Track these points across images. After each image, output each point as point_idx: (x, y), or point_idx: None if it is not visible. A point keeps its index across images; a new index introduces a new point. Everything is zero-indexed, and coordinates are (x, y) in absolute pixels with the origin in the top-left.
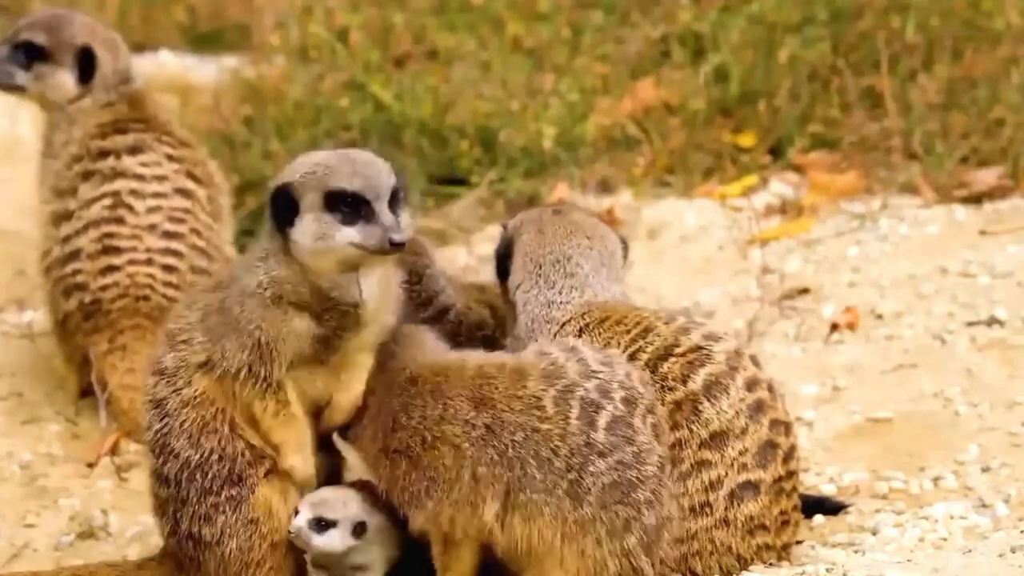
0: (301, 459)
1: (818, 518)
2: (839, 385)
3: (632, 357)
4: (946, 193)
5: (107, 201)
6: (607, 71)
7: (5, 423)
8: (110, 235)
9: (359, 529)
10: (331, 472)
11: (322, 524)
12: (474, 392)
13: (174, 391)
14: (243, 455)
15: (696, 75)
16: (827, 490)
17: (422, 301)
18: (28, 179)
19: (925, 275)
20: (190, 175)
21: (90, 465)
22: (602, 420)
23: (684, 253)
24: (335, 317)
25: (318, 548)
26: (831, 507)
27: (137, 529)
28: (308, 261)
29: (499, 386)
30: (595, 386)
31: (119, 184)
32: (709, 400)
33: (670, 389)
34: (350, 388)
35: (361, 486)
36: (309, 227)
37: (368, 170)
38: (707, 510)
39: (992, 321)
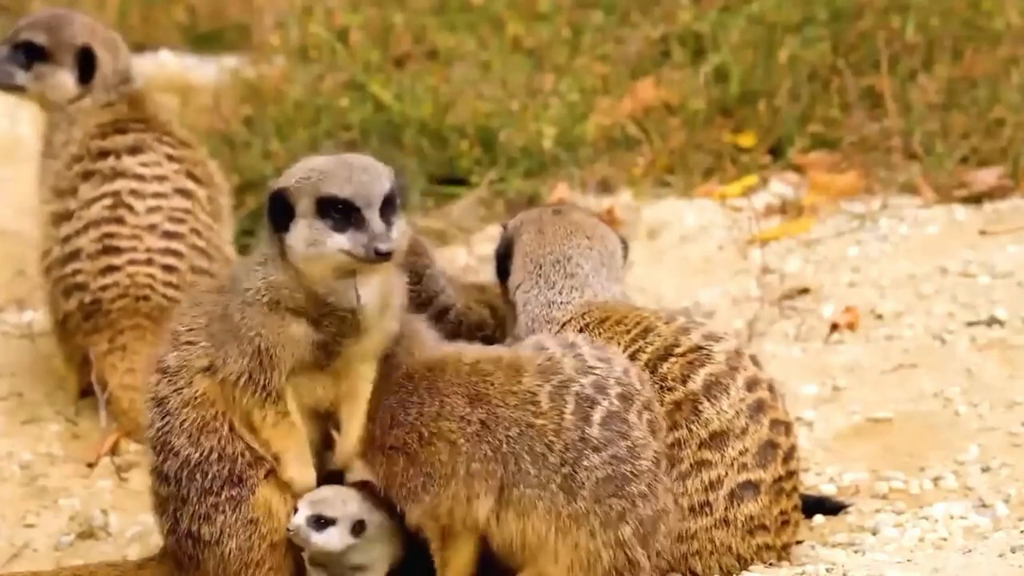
0: (300, 470)
1: (818, 518)
2: (839, 385)
3: (632, 357)
4: (946, 193)
5: (107, 201)
6: (607, 71)
7: (5, 423)
8: (110, 235)
9: (358, 528)
10: (332, 471)
11: (321, 522)
12: (470, 388)
13: (175, 390)
14: (243, 456)
15: (696, 75)
16: (827, 490)
17: (422, 301)
18: (28, 179)
19: (925, 275)
20: (190, 175)
21: (90, 465)
22: (597, 415)
23: (684, 253)
24: (333, 323)
25: (317, 546)
26: (831, 507)
27: (137, 529)
28: (302, 267)
29: (495, 382)
30: (591, 382)
31: (119, 184)
32: (709, 400)
33: (670, 389)
34: (353, 404)
35: (361, 485)
36: (302, 233)
37: (362, 177)
38: (707, 510)
39: (992, 321)
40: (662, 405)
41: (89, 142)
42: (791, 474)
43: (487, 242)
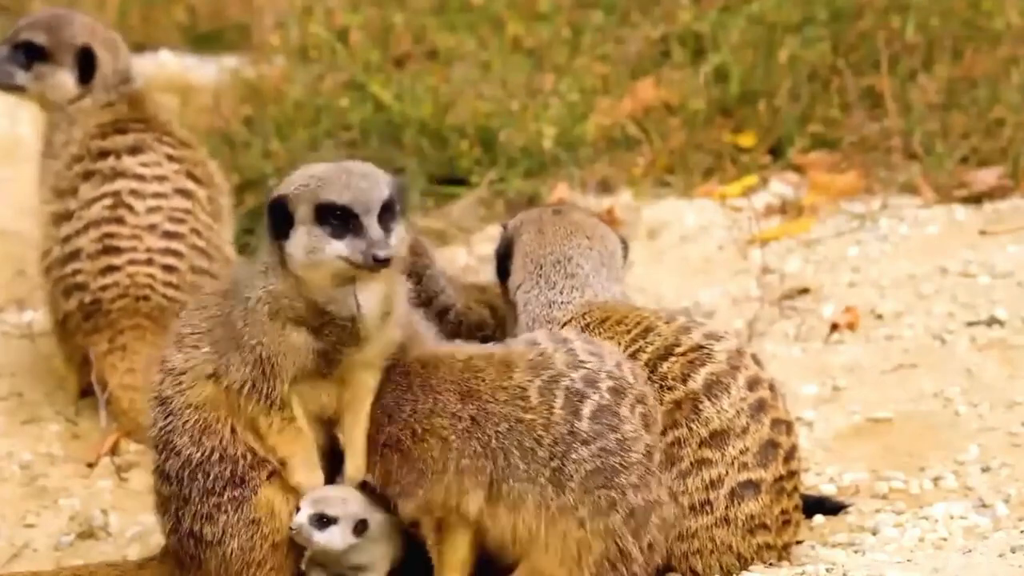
0: (307, 475)
1: (818, 518)
2: (839, 385)
3: (633, 357)
4: (946, 193)
5: (107, 201)
6: (607, 71)
7: (5, 423)
8: (110, 235)
9: (360, 527)
10: (334, 470)
11: (323, 521)
12: (462, 385)
13: (179, 391)
14: (245, 457)
15: (696, 75)
16: (827, 490)
17: (422, 301)
18: (28, 179)
19: (925, 275)
20: (190, 175)
21: (90, 465)
22: (586, 409)
23: (684, 253)
24: (334, 332)
25: (319, 545)
26: (831, 507)
27: (137, 529)
28: (302, 274)
29: (486, 378)
30: (581, 376)
31: (119, 184)
32: (710, 399)
33: (670, 388)
34: (356, 413)
35: (361, 484)
36: (301, 240)
37: (360, 183)
38: (707, 508)
39: (992, 321)
40: (662, 404)
41: (89, 142)
42: (792, 474)
43: (487, 242)
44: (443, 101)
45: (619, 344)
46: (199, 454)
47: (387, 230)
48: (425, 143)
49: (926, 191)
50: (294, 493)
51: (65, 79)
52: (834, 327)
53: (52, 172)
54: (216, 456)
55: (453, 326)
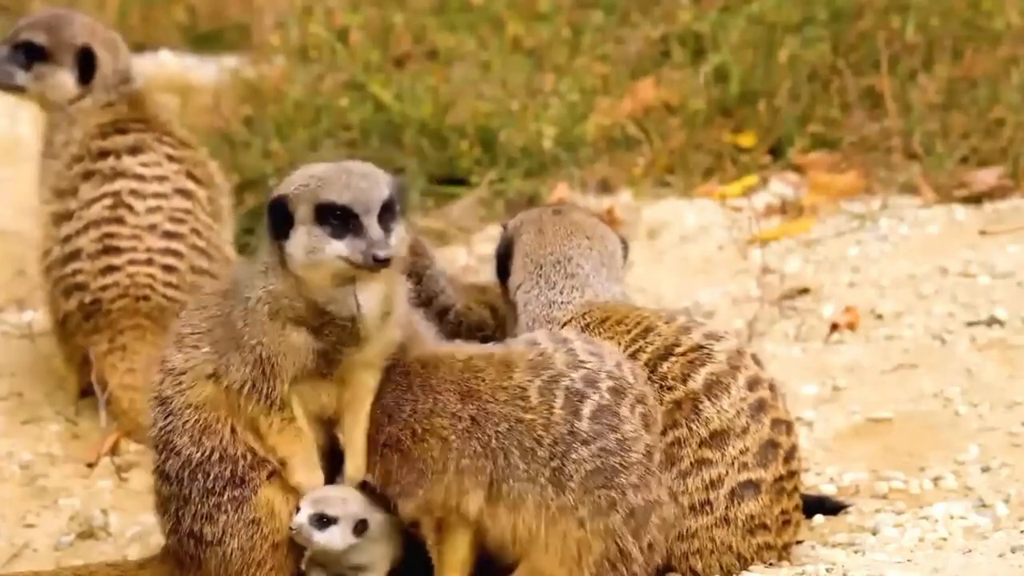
0: (307, 475)
1: (818, 518)
2: (839, 385)
3: (633, 357)
4: (946, 193)
5: (107, 201)
6: (607, 71)
7: (5, 423)
8: (110, 235)
9: (360, 527)
10: (334, 470)
11: (323, 521)
12: (462, 385)
13: (179, 391)
14: (245, 457)
15: (696, 75)
16: (827, 490)
17: (422, 301)
18: (28, 179)
19: (925, 275)
20: (190, 175)
21: (90, 465)
22: (586, 409)
23: (684, 253)
24: (334, 332)
25: (319, 545)
26: (831, 507)
27: (137, 529)
28: (302, 274)
29: (486, 378)
30: (581, 376)
31: (119, 184)
32: (710, 399)
33: (670, 388)
34: (356, 414)
35: (361, 484)
36: (301, 240)
37: (360, 183)
38: (707, 508)
39: (992, 321)
40: (662, 404)
41: (89, 142)
42: (792, 473)
43: (487, 242)
44: (443, 101)
45: (619, 344)
46: (199, 454)
47: (387, 230)
48: (425, 143)
49: (926, 191)
50: (294, 493)
51: (65, 79)
52: (834, 327)
53: (52, 172)
54: (216, 456)
55: (453, 326)
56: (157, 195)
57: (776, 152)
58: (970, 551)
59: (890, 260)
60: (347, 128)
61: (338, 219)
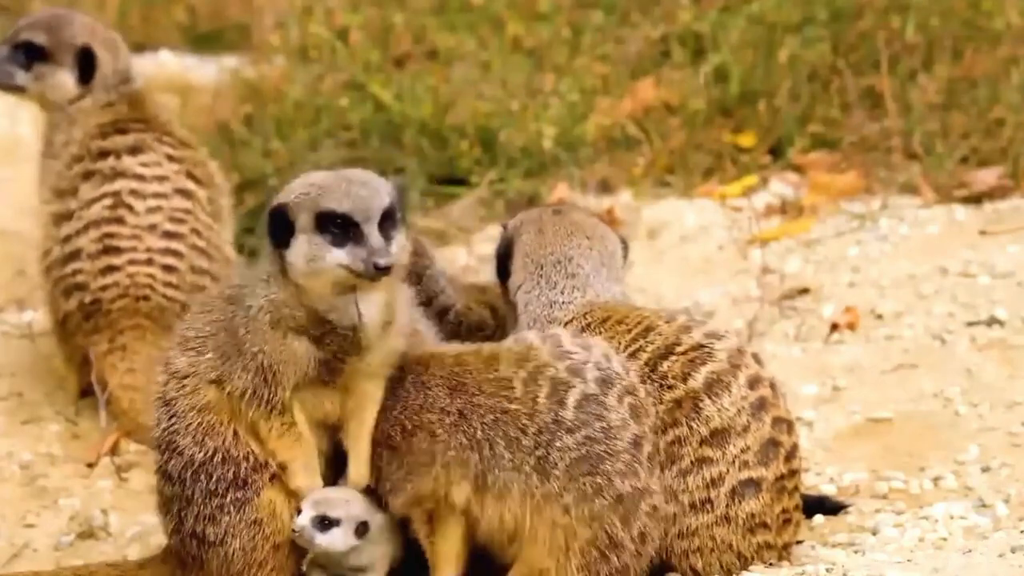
0: (307, 480)
1: (818, 518)
2: (839, 385)
3: (633, 356)
4: (946, 193)
5: (107, 201)
6: (607, 71)
7: (5, 423)
8: (110, 235)
9: (361, 529)
10: (337, 474)
11: (325, 523)
12: (451, 380)
13: (183, 394)
14: (247, 459)
15: (696, 75)
16: (827, 490)
17: (422, 301)
18: (28, 179)
19: (925, 275)
20: (190, 175)
21: (90, 465)
22: (572, 398)
23: (684, 253)
24: (335, 341)
25: (321, 547)
26: (831, 507)
27: (137, 529)
28: (302, 283)
29: (473, 371)
30: (567, 366)
31: (119, 184)
32: (710, 397)
33: (671, 387)
34: (360, 424)
35: (364, 488)
36: (302, 248)
37: (360, 191)
38: (708, 507)
39: (992, 321)
40: (663, 403)
41: (89, 142)
42: (793, 472)
43: (487, 242)
44: (443, 101)
45: (619, 343)
46: (202, 455)
47: (388, 238)
48: (425, 143)
49: (926, 191)
50: (296, 495)
51: (65, 79)
52: (834, 327)
53: (52, 172)
54: (219, 457)
55: (453, 326)
56: (157, 195)
57: (776, 152)
58: (970, 551)
59: (890, 260)
60: (347, 128)
61: (339, 227)
